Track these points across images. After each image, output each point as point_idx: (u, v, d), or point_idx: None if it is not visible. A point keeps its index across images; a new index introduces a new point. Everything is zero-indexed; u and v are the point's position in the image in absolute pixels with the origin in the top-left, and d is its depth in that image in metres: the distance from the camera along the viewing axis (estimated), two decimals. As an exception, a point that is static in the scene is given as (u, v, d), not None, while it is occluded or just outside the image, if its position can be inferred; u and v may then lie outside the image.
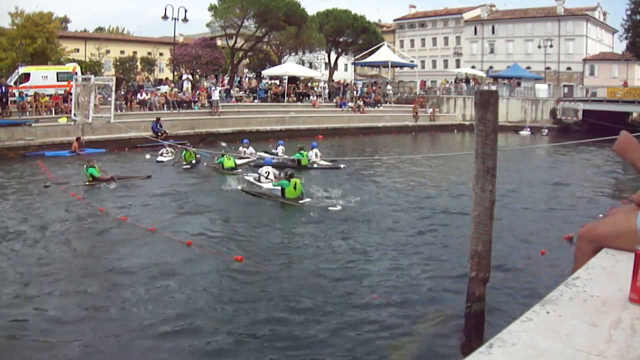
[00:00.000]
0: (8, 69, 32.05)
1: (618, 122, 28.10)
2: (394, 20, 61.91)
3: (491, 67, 45.20)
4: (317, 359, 4.85)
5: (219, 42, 39.56)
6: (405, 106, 35.29)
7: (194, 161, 16.06)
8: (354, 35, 41.21)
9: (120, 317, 5.62)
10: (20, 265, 7.24)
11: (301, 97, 32.25)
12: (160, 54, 51.09)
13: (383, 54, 37.94)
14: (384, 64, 38.66)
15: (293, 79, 33.38)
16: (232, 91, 30.35)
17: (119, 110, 22.29)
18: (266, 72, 34.07)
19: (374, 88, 37.68)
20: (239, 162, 15.96)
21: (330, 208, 10.82)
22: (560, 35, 47.29)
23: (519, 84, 37.59)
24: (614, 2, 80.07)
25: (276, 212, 10.85)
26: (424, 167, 17.79)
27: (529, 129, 31.62)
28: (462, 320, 5.16)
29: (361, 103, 32.60)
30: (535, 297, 1.99)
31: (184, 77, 29.79)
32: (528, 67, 44.22)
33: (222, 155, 15.49)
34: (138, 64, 48.84)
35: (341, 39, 41.49)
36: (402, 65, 41.48)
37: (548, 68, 43.64)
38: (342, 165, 16.23)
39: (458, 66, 50.68)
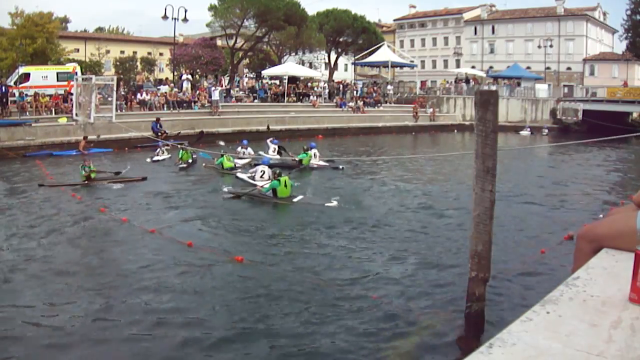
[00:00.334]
0: (8, 69, 32.07)
1: (618, 122, 28.14)
2: (394, 20, 61.93)
3: (491, 67, 45.21)
4: (317, 358, 4.85)
5: (219, 42, 39.58)
6: (405, 106, 35.30)
7: (190, 161, 16.06)
8: (354, 35, 41.24)
9: (121, 317, 5.62)
10: (21, 265, 7.24)
11: (301, 97, 32.26)
12: (160, 54, 51.10)
13: (383, 54, 37.95)
14: (384, 64, 38.67)
15: (293, 79, 33.39)
16: (232, 91, 30.37)
17: (119, 110, 22.30)
18: (266, 72, 34.09)
19: (374, 88, 37.69)
20: (238, 162, 15.97)
21: (326, 204, 10.87)
22: (560, 35, 47.30)
23: (519, 84, 37.60)
24: (614, 2, 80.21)
25: (274, 212, 10.86)
26: (424, 167, 17.79)
27: (529, 129, 31.62)
28: (462, 320, 5.16)
29: (361, 103, 32.61)
30: (535, 297, 1.99)
31: (184, 77, 29.79)
32: (528, 67, 44.22)
33: (222, 156, 15.49)
34: (138, 64, 48.85)
35: (341, 39, 41.52)
36: (402, 65, 41.49)
37: (548, 68, 43.64)
38: (341, 166, 16.16)
39: (458, 66, 50.69)
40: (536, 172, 17.09)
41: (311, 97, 32.39)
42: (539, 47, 43.58)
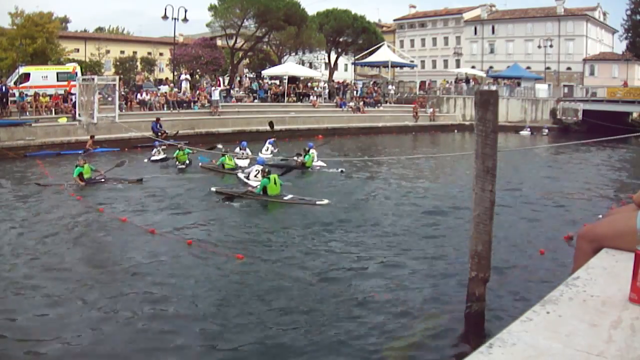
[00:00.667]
0: (8, 69, 32.07)
1: (618, 122, 28.14)
2: (394, 20, 61.92)
3: (491, 67, 45.21)
4: (316, 357, 4.85)
5: (219, 42, 39.57)
6: (405, 106, 35.29)
7: (187, 162, 16.05)
8: (354, 35, 41.24)
9: (121, 316, 5.62)
10: (22, 265, 7.24)
11: (301, 97, 32.25)
12: (160, 54, 51.11)
13: (383, 54, 37.95)
14: (384, 64, 38.67)
15: (293, 79, 33.38)
16: (232, 91, 30.37)
17: (118, 111, 22.29)
18: (266, 72, 34.08)
19: (375, 88, 37.69)
20: (240, 162, 15.95)
21: (317, 202, 10.89)
22: (560, 35, 47.29)
23: (519, 84, 37.60)
24: (614, 2, 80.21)
25: (272, 211, 10.85)
26: (424, 167, 17.79)
27: (529, 129, 31.62)
28: (462, 320, 5.16)
29: (361, 103, 32.61)
30: (535, 297, 1.99)
31: (182, 77, 29.78)
32: (528, 67, 44.22)
33: (223, 156, 15.49)
34: (138, 64, 48.86)
35: (341, 39, 41.51)
36: (402, 65, 41.48)
37: (548, 68, 43.64)
38: (341, 169, 15.71)
39: (458, 66, 50.69)
40: (536, 172, 17.09)
41: (311, 97, 32.39)
42: (539, 47, 43.57)
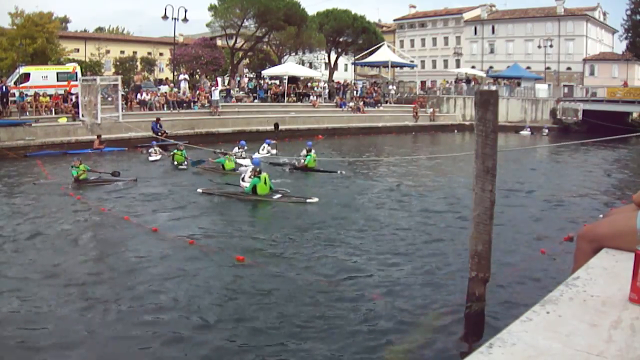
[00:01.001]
0: (8, 69, 32.07)
1: (618, 122, 28.14)
2: (394, 20, 61.94)
3: (491, 67, 45.21)
4: (317, 357, 4.85)
5: (219, 42, 39.59)
6: (405, 106, 35.30)
7: (185, 163, 16.05)
8: (354, 35, 41.24)
9: (122, 316, 5.62)
10: (23, 265, 7.24)
11: (301, 97, 32.26)
12: (160, 54, 51.13)
13: (383, 54, 37.95)
14: (384, 64, 38.67)
15: (293, 79, 33.39)
16: (232, 91, 30.37)
17: (117, 111, 22.29)
18: (266, 72, 34.09)
19: (375, 88, 37.69)
20: (241, 162, 15.94)
21: (307, 200, 10.92)
22: (560, 35, 47.30)
23: (519, 84, 37.60)
24: (614, 2, 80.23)
25: (272, 211, 10.84)
26: (424, 167, 17.79)
27: (529, 129, 31.62)
28: (462, 320, 5.16)
29: (361, 103, 32.61)
30: (535, 297, 1.99)
31: (181, 77, 29.78)
32: (528, 67, 44.22)
33: (223, 156, 15.48)
34: (138, 64, 48.86)
35: (341, 39, 41.52)
36: (402, 65, 41.48)
37: (548, 68, 43.64)
38: (341, 171, 15.46)
39: (458, 66, 50.70)
40: (536, 172, 17.09)
41: (311, 97, 32.40)
42: (539, 47, 43.58)
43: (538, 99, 35.50)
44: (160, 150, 17.85)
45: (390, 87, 38.30)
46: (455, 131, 33.06)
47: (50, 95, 22.84)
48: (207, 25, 37.42)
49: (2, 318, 5.54)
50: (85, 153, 18.13)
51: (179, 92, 26.98)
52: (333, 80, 39.06)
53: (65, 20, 55.99)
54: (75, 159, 13.30)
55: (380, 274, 7.01)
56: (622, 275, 1.82)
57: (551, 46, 43.41)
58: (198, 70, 36.51)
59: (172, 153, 16.47)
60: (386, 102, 36.08)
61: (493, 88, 31.98)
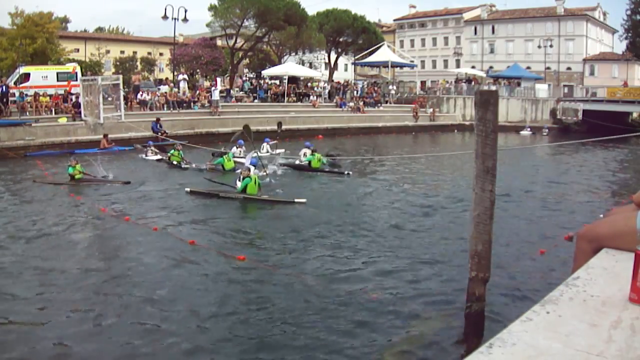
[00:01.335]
0: (8, 69, 32.06)
1: (618, 122, 28.14)
2: (394, 20, 61.93)
3: (491, 67, 45.19)
4: (317, 358, 4.85)
5: (219, 42, 39.57)
6: (405, 106, 35.29)
7: (183, 163, 16.04)
8: (354, 35, 41.23)
9: (123, 315, 5.63)
10: (23, 265, 7.24)
11: (301, 97, 32.25)
12: (160, 54, 51.11)
13: (383, 54, 37.94)
14: (384, 64, 38.67)
15: (293, 79, 33.38)
16: (232, 91, 30.37)
17: (117, 111, 22.30)
18: (266, 72, 34.08)
19: (375, 88, 37.68)
20: (240, 162, 15.94)
21: (296, 200, 10.97)
22: (560, 35, 47.29)
23: (519, 84, 37.59)
24: (614, 2, 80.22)
25: (272, 211, 10.84)
26: (424, 167, 17.79)
27: (529, 129, 31.62)
28: (462, 320, 5.16)
29: (361, 103, 32.61)
30: (535, 297, 1.99)
31: (180, 77, 29.79)
32: (528, 67, 44.21)
33: (222, 156, 15.49)
34: (138, 64, 48.85)
35: (341, 39, 41.51)
36: (402, 65, 41.48)
37: (548, 68, 43.63)
38: (348, 172, 15.24)
39: (458, 66, 50.69)
40: (536, 172, 17.09)
41: (311, 97, 32.39)
42: (539, 47, 43.57)
43: (538, 99, 35.49)
44: (156, 150, 17.88)
45: (390, 87, 38.30)
46: (455, 131, 33.06)
47: (50, 95, 22.84)
48: (207, 25, 37.39)
49: (2, 318, 5.54)
50: (93, 153, 18.29)
51: (179, 92, 26.98)
52: (333, 80, 39.05)
53: (65, 20, 56.01)
54: (71, 159, 13.36)
55: (379, 274, 7.01)
56: (622, 275, 1.82)
57: (551, 46, 43.40)
58: (198, 70, 36.49)
59: (169, 154, 16.47)
60: (386, 102, 36.08)
61: (493, 88, 31.98)
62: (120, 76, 24.09)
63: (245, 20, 33.84)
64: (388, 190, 13.27)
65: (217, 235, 8.96)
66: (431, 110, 34.98)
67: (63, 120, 20.96)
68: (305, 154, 16.29)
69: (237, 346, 5.06)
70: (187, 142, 19.18)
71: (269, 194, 11.79)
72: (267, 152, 18.21)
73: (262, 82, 33.64)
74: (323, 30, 38.66)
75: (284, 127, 22.06)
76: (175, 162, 16.14)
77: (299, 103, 31.26)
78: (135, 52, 51.11)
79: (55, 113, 21.94)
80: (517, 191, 12.97)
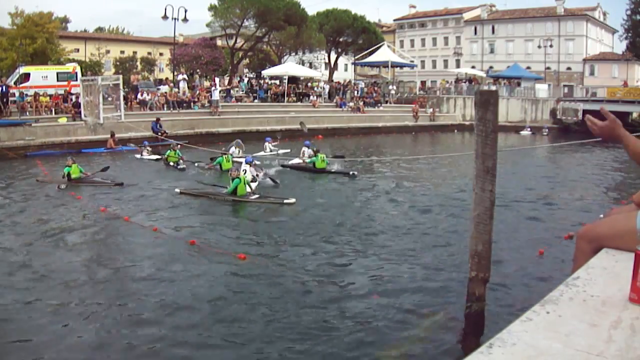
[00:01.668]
0: (8, 69, 32.06)
1: (618, 122, 28.10)
2: (394, 20, 61.93)
3: (491, 67, 45.20)
4: (317, 357, 4.85)
5: (219, 42, 39.58)
6: (405, 106, 35.30)
7: (179, 162, 16.08)
8: (354, 35, 41.26)
9: (124, 315, 5.63)
10: (23, 265, 7.24)
11: (301, 97, 32.25)
12: (160, 54, 51.11)
13: (383, 54, 37.95)
14: (384, 64, 38.67)
15: (293, 79, 33.38)
16: (232, 91, 30.37)
17: (117, 111, 22.30)
18: (266, 72, 34.09)
19: (375, 88, 37.69)
20: (239, 161, 15.95)
21: (285, 201, 11.01)
22: (560, 35, 47.29)
23: (519, 84, 37.59)
24: (614, 2, 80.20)
25: (272, 211, 10.85)
26: (423, 167, 17.79)
27: (529, 129, 31.62)
28: (462, 320, 5.16)
29: (361, 103, 32.61)
30: (535, 297, 1.99)
31: (180, 77, 29.80)
32: (528, 67, 44.21)
33: (221, 156, 15.50)
34: (138, 64, 48.85)
35: (341, 39, 41.53)
36: (402, 65, 41.49)
37: (548, 68, 43.63)
38: (353, 172, 15.06)
39: (458, 66, 50.70)
40: (536, 172, 17.08)
41: (311, 97, 32.39)
42: (539, 47, 43.57)
43: (538, 99, 35.49)
44: (151, 150, 17.92)
45: (390, 87, 38.30)
46: (455, 131, 33.06)
47: (50, 95, 22.84)
48: (207, 25, 37.43)
49: (2, 317, 5.54)
50: (100, 152, 18.47)
51: (179, 92, 26.98)
52: (333, 80, 39.05)
53: (65, 20, 56.01)
54: (68, 159, 13.40)
55: (379, 274, 7.01)
56: (622, 275, 1.82)
57: (551, 46, 43.40)
58: (198, 70, 36.49)
59: (166, 154, 16.47)
60: (386, 102, 36.09)
61: (493, 88, 31.98)
62: (120, 76, 24.07)
63: (245, 20, 33.88)
64: (388, 190, 13.26)
65: (216, 234, 8.95)
66: (431, 110, 34.98)
67: (63, 120, 20.96)
68: (304, 153, 16.31)
69: (238, 346, 5.06)
70: (186, 142, 19.19)
71: (264, 192, 11.83)
72: (270, 151, 18.20)
73: (262, 82, 33.64)
74: (323, 30, 38.68)
75: (281, 127, 22.08)
76: (172, 163, 16.17)
77: (299, 103, 31.26)
78: (135, 52, 51.12)
79: (55, 113, 21.94)
80: (517, 191, 12.98)
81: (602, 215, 5.85)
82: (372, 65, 41.57)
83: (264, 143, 18.78)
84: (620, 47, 44.32)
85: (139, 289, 6.43)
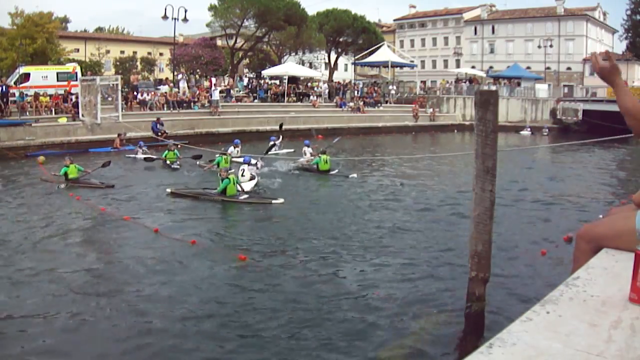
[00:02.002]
0: (8, 69, 32.05)
1: (618, 122, 28.08)
2: (394, 20, 61.95)
3: (491, 67, 45.21)
4: (317, 357, 4.85)
5: (219, 42, 39.58)
6: (405, 106, 35.29)
7: (177, 162, 16.07)
8: (354, 35, 41.25)
9: (124, 315, 5.63)
10: (23, 265, 7.24)
11: (301, 97, 32.25)
12: (160, 54, 51.08)
13: (383, 54, 37.95)
14: (384, 64, 38.67)
15: (293, 79, 33.38)
16: (232, 91, 30.38)
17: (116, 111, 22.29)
18: (266, 72, 34.08)
19: (375, 88, 37.69)
20: (238, 160, 15.95)
21: (273, 202, 11.03)
22: (560, 35, 47.30)
23: (519, 84, 37.59)
24: (614, 2, 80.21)
25: (271, 212, 10.85)
26: (424, 167, 17.79)
27: (529, 129, 31.61)
28: (462, 320, 5.16)
29: (361, 103, 32.61)
30: (535, 297, 1.99)
31: (179, 77, 29.77)
32: (528, 67, 44.21)
33: (220, 156, 15.51)
34: (138, 64, 48.83)
35: (341, 39, 41.52)
36: (402, 65, 41.48)
37: (548, 68, 43.64)
38: (353, 175, 15.01)
39: (458, 66, 50.71)
40: (536, 172, 17.09)
41: (311, 97, 32.39)
42: (539, 47, 43.58)
43: (538, 99, 35.49)
44: (146, 150, 17.94)
45: (390, 87, 38.30)
46: (455, 131, 33.06)
47: (51, 95, 22.83)
48: (207, 25, 37.43)
49: (2, 317, 5.54)
50: (107, 152, 18.52)
51: (179, 92, 26.98)
52: (333, 80, 39.04)
53: (65, 20, 55.99)
54: (66, 158, 13.42)
55: (379, 274, 7.01)
56: (622, 275, 1.82)
57: (551, 46, 43.41)
58: (198, 70, 36.48)
59: (165, 155, 16.48)
60: (386, 102, 36.08)
61: (493, 88, 31.98)
62: (119, 76, 24.07)
63: (245, 20, 33.88)
64: (388, 190, 13.26)
65: (215, 235, 8.98)
66: (431, 110, 34.98)
67: (63, 120, 20.96)
68: (305, 152, 16.30)
69: (237, 346, 5.06)
70: (186, 142, 19.19)
71: (253, 192, 11.86)
72: (274, 151, 18.18)
73: (262, 82, 33.63)
74: (323, 30, 38.67)
75: (284, 127, 22.04)
76: (168, 162, 16.20)
77: (299, 103, 31.26)
78: (135, 52, 51.09)
79: (55, 113, 21.93)
80: (517, 191, 12.98)
81: (601, 215, 5.86)
82: (372, 65, 41.57)
83: (269, 142, 18.72)
84: (620, 47, 44.35)
85: (139, 288, 6.43)
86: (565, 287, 1.80)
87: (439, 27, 57.22)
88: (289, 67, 35.08)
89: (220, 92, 27.54)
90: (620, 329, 1.50)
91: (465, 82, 39.01)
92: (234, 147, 17.29)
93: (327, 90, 34.35)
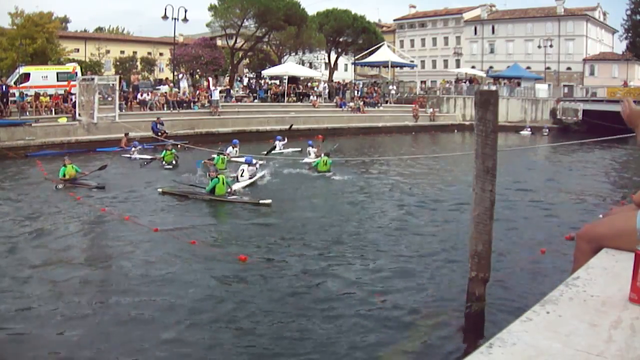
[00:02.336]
0: (8, 69, 32.05)
1: (618, 122, 28.03)
2: (394, 20, 61.93)
3: (491, 67, 45.20)
4: (317, 357, 4.85)
5: (219, 42, 39.54)
6: (405, 106, 35.29)
7: (173, 162, 16.09)
8: (354, 35, 41.22)
9: (124, 316, 5.63)
10: (24, 265, 7.24)
11: (301, 97, 32.25)
12: (160, 54, 51.07)
13: (383, 54, 37.94)
14: (384, 64, 38.67)
15: (293, 79, 33.37)
16: (232, 91, 30.36)
17: (118, 110, 22.28)
18: (266, 72, 34.08)
19: (375, 88, 37.68)
20: (237, 160, 15.97)
21: (261, 201, 11.04)
22: (560, 35, 47.29)
23: (519, 84, 37.59)
24: (614, 2, 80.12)
25: (271, 212, 10.85)
26: (424, 167, 17.79)
27: (529, 129, 31.61)
28: (462, 320, 5.16)
29: (361, 103, 32.61)
30: (535, 297, 1.99)
31: (180, 77, 29.73)
32: (528, 67, 44.21)
33: (218, 155, 15.52)
34: (138, 64, 48.83)
35: (341, 39, 41.49)
36: (402, 65, 41.48)
37: (548, 68, 43.63)
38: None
39: (458, 66, 50.70)
40: (536, 172, 17.09)
41: (311, 97, 32.39)
42: (539, 47, 43.58)
43: (538, 99, 35.49)
44: (142, 149, 17.94)
45: (390, 87, 38.29)
46: (455, 131, 33.07)
47: (51, 95, 22.82)
48: (207, 25, 37.36)
49: (2, 317, 5.54)
50: (113, 151, 18.67)
51: (179, 92, 26.97)
52: (333, 80, 39.03)
53: (65, 20, 55.97)
54: (65, 158, 13.46)
55: (379, 274, 7.01)
56: (622, 275, 1.82)
57: (551, 46, 43.40)
58: (198, 70, 36.46)
59: (163, 155, 16.47)
60: (386, 102, 36.08)
61: (493, 88, 31.97)
62: (117, 76, 24.06)
63: (245, 20, 33.81)
64: (388, 190, 13.27)
65: (215, 236, 8.99)
66: (431, 110, 34.98)
67: (63, 120, 20.95)
68: (309, 152, 16.31)
69: (238, 344, 5.06)
70: (186, 142, 19.17)
71: (241, 193, 11.90)
72: (280, 150, 18.38)
73: (262, 82, 33.60)
74: (323, 30, 38.64)
75: (280, 127, 22.11)
76: (164, 162, 16.21)
77: (299, 103, 31.25)
78: (135, 52, 51.08)
79: (55, 113, 21.92)
80: (517, 191, 12.98)
81: (601, 215, 5.86)
82: (372, 65, 41.56)
83: (274, 142, 18.85)
84: (620, 47, 44.38)
85: (139, 289, 6.43)
86: (565, 287, 1.80)
87: (439, 27, 57.22)
88: (289, 67, 35.07)
89: (220, 92, 27.54)
90: (620, 329, 1.50)
91: (465, 82, 39.02)
92: (233, 148, 17.29)
93: (327, 90, 34.34)
